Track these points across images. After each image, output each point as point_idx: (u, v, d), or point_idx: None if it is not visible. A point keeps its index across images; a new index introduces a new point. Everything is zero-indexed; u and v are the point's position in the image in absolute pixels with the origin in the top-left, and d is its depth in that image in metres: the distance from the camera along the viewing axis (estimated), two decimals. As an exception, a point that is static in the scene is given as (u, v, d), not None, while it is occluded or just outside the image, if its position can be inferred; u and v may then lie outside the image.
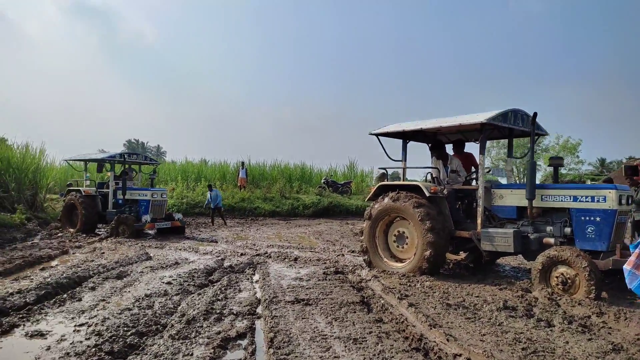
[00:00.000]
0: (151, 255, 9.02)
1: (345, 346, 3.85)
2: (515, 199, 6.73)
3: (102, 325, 4.40)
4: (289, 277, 6.84)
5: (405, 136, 8.11)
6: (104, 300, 5.45)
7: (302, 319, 4.62)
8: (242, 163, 24.33)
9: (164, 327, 4.43)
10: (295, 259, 8.53)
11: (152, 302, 5.28)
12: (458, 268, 7.80)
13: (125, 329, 4.27)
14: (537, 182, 6.91)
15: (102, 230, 13.55)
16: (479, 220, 6.74)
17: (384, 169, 8.32)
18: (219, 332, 4.23)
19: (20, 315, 4.71)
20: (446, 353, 3.67)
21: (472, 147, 8.44)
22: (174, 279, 6.53)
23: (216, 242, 11.59)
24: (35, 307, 5.01)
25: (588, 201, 6.03)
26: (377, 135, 8.04)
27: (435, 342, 3.92)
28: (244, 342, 4.06)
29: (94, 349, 3.74)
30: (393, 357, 3.62)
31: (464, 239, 7.02)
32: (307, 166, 28.38)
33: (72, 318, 4.72)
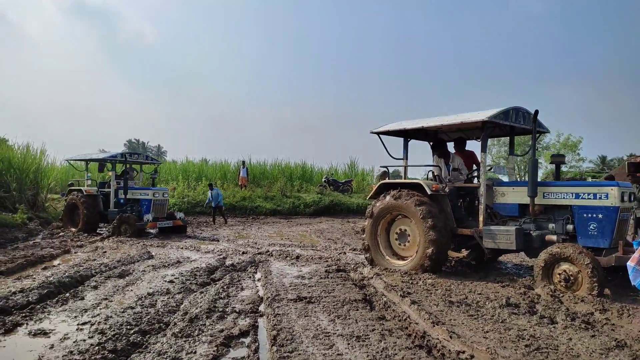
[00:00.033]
0: (153, 254, 9.02)
1: (349, 343, 3.85)
2: (517, 196, 6.73)
3: (105, 323, 4.40)
4: (291, 275, 6.84)
5: (407, 134, 8.10)
6: (106, 299, 5.45)
7: (305, 316, 4.62)
8: (243, 162, 24.33)
9: (167, 326, 4.44)
10: (297, 257, 8.53)
11: (155, 301, 5.28)
12: (460, 266, 7.79)
13: (128, 327, 4.27)
14: (539, 179, 6.90)
15: (104, 229, 13.56)
16: (481, 218, 6.73)
17: (386, 167, 8.32)
18: (222, 330, 4.24)
19: (23, 314, 4.72)
20: (449, 350, 3.67)
21: (472, 145, 8.46)
22: (176, 278, 6.54)
23: (218, 240, 11.60)
24: (38, 306, 5.02)
25: (590, 198, 6.02)
26: (378, 133, 8.03)
27: (438, 339, 3.92)
28: (247, 340, 4.06)
29: (97, 348, 3.75)
30: (396, 354, 3.61)
31: (465, 236, 7.02)
32: (308, 165, 28.40)
33: (75, 317, 4.72)
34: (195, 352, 3.71)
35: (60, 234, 12.63)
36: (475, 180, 7.65)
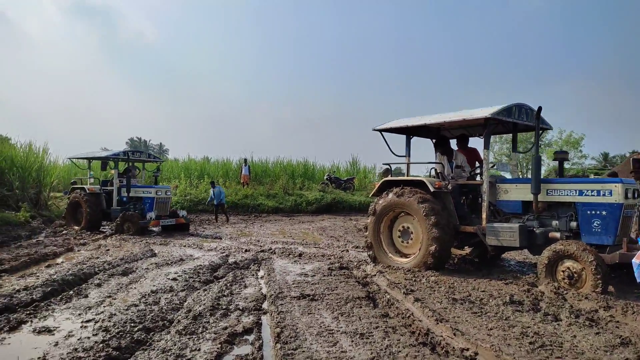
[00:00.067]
0: (156, 252, 9.04)
1: (352, 341, 3.85)
2: (520, 193, 6.71)
3: (109, 321, 4.41)
4: (294, 273, 6.84)
5: (409, 132, 8.09)
6: (110, 296, 5.47)
7: (309, 314, 4.62)
8: (245, 160, 24.32)
9: (171, 323, 4.44)
10: (300, 255, 8.53)
11: (158, 298, 5.29)
12: (463, 263, 7.79)
13: (132, 324, 4.28)
14: (542, 176, 6.88)
15: (107, 227, 13.59)
16: (484, 215, 6.72)
17: (388, 164, 8.31)
18: (226, 328, 4.24)
19: (28, 312, 4.73)
20: (453, 347, 3.66)
21: (474, 142, 8.43)
22: (179, 275, 6.55)
23: (220, 238, 11.61)
24: (42, 304, 5.03)
25: (594, 195, 6.00)
26: (380, 131, 8.01)
27: (442, 336, 3.92)
28: (251, 337, 4.07)
29: (101, 345, 3.76)
30: (400, 351, 3.61)
31: (468, 234, 7.00)
32: (310, 163, 28.37)
33: (79, 314, 4.74)
34: (199, 350, 3.71)
35: (63, 232, 12.66)
36: (478, 178, 7.64)
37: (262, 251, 9.12)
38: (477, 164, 7.95)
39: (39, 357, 3.60)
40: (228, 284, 6.03)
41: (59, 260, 8.32)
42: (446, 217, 6.83)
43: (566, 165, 33.89)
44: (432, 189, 6.94)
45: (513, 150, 8.36)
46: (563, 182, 6.41)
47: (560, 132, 36.96)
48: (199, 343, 3.86)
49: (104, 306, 5.03)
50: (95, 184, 14.02)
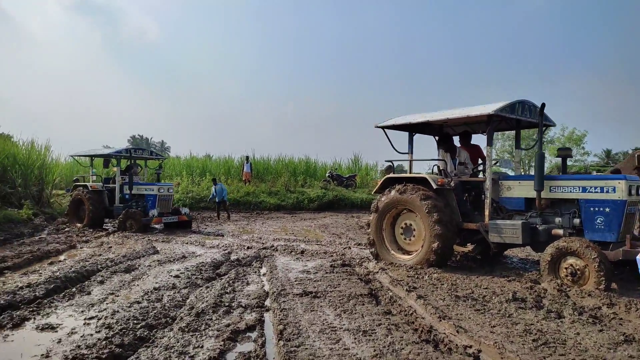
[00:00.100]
0: (158, 249, 9.05)
1: (355, 338, 3.84)
2: (523, 190, 6.69)
3: (112, 318, 4.42)
4: (296, 270, 6.84)
5: (412, 128, 8.07)
6: (113, 293, 5.47)
7: (311, 311, 4.62)
8: (247, 157, 24.32)
9: (174, 320, 4.44)
10: (302, 252, 8.53)
11: (161, 296, 5.30)
12: (466, 260, 7.78)
13: (135, 321, 4.29)
14: (544, 173, 6.85)
15: (109, 225, 13.62)
16: (486, 212, 6.70)
17: (391, 161, 8.29)
18: (229, 325, 4.24)
19: (31, 309, 4.74)
20: (456, 345, 3.66)
21: (477, 139, 8.39)
22: (181, 273, 6.55)
23: (222, 235, 11.62)
24: (45, 301, 5.04)
25: (597, 192, 5.98)
26: (383, 128, 8.00)
27: (445, 333, 3.92)
28: (254, 335, 4.07)
29: (104, 342, 3.76)
30: (403, 348, 3.61)
31: (471, 231, 6.99)
32: (312, 160, 28.37)
33: (82, 311, 4.74)
34: (202, 347, 3.71)
35: (66, 229, 12.67)
36: (481, 175, 7.62)
37: (264, 248, 9.12)
38: (480, 161, 7.93)
39: (42, 354, 3.60)
40: (230, 281, 6.03)
41: (62, 257, 8.34)
42: (449, 214, 6.81)
43: (568, 162, 33.83)
44: (434, 186, 6.93)
45: (516, 147, 8.33)
46: (566, 178, 6.38)
47: (562, 129, 36.89)
48: (202, 340, 3.86)
49: (107, 303, 5.04)
50: (98, 182, 14.03)
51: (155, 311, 4.64)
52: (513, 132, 8.16)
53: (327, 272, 6.58)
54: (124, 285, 5.89)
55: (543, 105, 6.46)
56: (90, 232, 11.85)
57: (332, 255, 8.21)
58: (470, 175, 7.64)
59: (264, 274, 6.73)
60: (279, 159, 27.46)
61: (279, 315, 4.44)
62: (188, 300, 5.16)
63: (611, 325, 4.25)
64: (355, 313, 4.54)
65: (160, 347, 3.69)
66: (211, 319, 4.43)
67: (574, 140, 36.40)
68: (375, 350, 3.56)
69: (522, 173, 10.26)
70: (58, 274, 6.30)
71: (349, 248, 9.39)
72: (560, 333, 3.99)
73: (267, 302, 5.12)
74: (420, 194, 6.91)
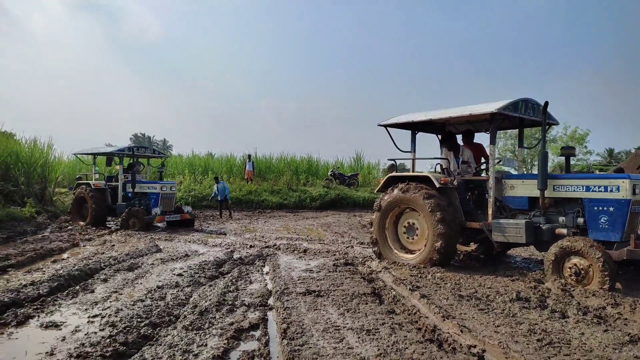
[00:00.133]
0: (161, 247, 9.06)
1: (359, 337, 3.84)
2: (526, 189, 6.66)
3: (116, 316, 4.43)
4: (299, 269, 6.84)
5: (414, 127, 8.05)
6: (116, 291, 5.48)
7: (314, 310, 4.62)
8: (249, 156, 24.31)
9: (177, 319, 4.45)
10: (305, 251, 8.52)
11: (164, 294, 5.30)
12: (469, 259, 7.76)
13: (138, 320, 4.29)
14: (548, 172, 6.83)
15: (112, 223, 13.63)
16: (490, 211, 6.68)
17: (393, 160, 8.28)
18: (232, 323, 4.24)
19: (35, 307, 4.75)
20: (460, 344, 3.65)
21: (479, 138, 8.38)
22: (184, 271, 6.56)
23: (225, 234, 11.62)
24: (49, 299, 5.05)
25: (601, 191, 5.95)
26: (385, 126, 7.98)
27: (449, 333, 3.91)
28: (257, 333, 4.07)
29: (108, 340, 3.76)
30: (407, 348, 3.60)
31: (474, 230, 6.97)
32: (314, 158, 28.34)
33: (86, 309, 4.75)
34: (206, 345, 3.71)
35: (69, 227, 12.71)
36: (484, 173, 7.60)
37: (267, 247, 9.12)
38: (483, 160, 7.90)
39: (46, 352, 3.61)
40: (233, 280, 6.04)
41: (65, 255, 8.36)
42: (452, 213, 6.80)
43: (571, 161, 33.76)
44: (437, 185, 6.91)
45: (519, 145, 8.30)
46: (570, 177, 6.36)
47: (565, 128, 36.78)
48: (206, 339, 3.86)
49: (111, 301, 5.05)
50: (101, 180, 14.05)
51: (158, 309, 4.64)
52: (514, 131, 8.16)
53: (330, 271, 6.58)
54: (127, 283, 5.90)
55: (546, 103, 6.43)
56: (93, 231, 11.87)
57: (334, 254, 8.21)
58: (473, 174, 7.62)
59: (266, 273, 6.73)
60: (281, 158, 27.45)
61: (283, 314, 4.43)
62: (191, 299, 5.16)
63: (616, 325, 4.23)
64: (359, 312, 4.54)
65: (164, 345, 3.69)
66: (215, 317, 4.43)
67: (577, 139, 36.28)
68: (379, 350, 3.55)
69: (524, 172, 10.23)
70: (61, 272, 6.31)
71: (352, 247, 9.39)
72: (564, 333, 3.98)
73: (271, 301, 5.12)
74: (423, 193, 6.89)
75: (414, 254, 7.19)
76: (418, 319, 4.32)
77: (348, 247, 9.39)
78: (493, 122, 6.78)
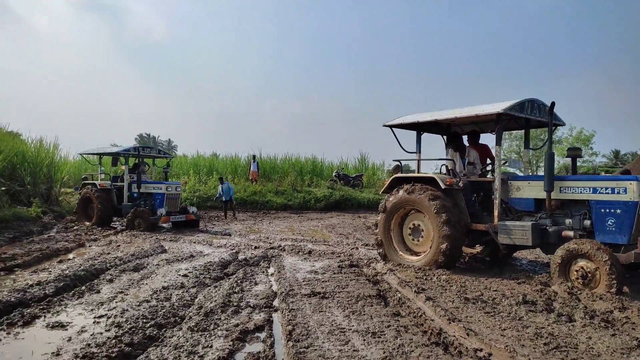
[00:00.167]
0: (166, 248, 9.08)
1: (364, 340, 3.83)
2: (532, 191, 6.62)
3: (121, 317, 4.44)
4: (304, 270, 6.83)
5: (420, 128, 8.02)
6: (122, 292, 5.50)
7: (320, 312, 4.61)
8: (254, 156, 24.33)
9: (182, 319, 4.45)
10: (310, 252, 8.52)
11: (170, 295, 5.31)
12: (474, 262, 7.73)
13: (144, 320, 4.30)
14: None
15: (117, 223, 13.69)
16: (495, 213, 6.64)
17: (399, 161, 8.25)
18: (237, 325, 4.24)
19: (41, 307, 4.77)
20: (467, 348, 3.63)
21: (484, 138, 8.32)
22: (190, 272, 6.57)
23: (230, 235, 11.64)
24: (55, 299, 5.07)
25: (608, 193, 5.90)
26: (390, 127, 7.96)
27: (455, 336, 3.89)
28: (262, 335, 4.06)
29: (114, 341, 3.77)
30: (413, 351, 3.58)
31: (480, 232, 6.93)
32: (318, 159, 28.33)
33: (92, 310, 4.77)
34: (211, 346, 3.71)
35: (75, 227, 12.77)
36: (490, 175, 7.56)
37: (272, 248, 9.12)
38: (488, 161, 7.86)
39: (52, 352, 3.62)
40: (238, 281, 6.04)
41: (71, 255, 8.40)
42: (457, 215, 6.77)
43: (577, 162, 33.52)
44: (443, 186, 6.88)
45: (525, 146, 8.25)
46: (577, 179, 6.31)
47: (570, 129, 36.56)
48: (211, 340, 3.86)
49: (116, 302, 5.06)
50: (106, 180, 14.11)
51: (164, 310, 4.65)
52: (520, 132, 8.12)
53: (335, 273, 6.57)
54: (132, 284, 5.92)
55: (553, 104, 6.39)
56: (99, 231, 11.92)
57: (339, 256, 8.19)
58: (479, 175, 7.58)
59: (271, 274, 6.73)
60: (285, 158, 27.47)
61: (288, 315, 4.43)
62: (197, 300, 5.17)
63: (624, 329, 4.19)
64: (364, 314, 4.53)
65: (170, 346, 3.70)
66: (220, 318, 4.43)
67: (582, 140, 36.05)
68: (384, 352, 3.54)
69: (530, 173, 10.16)
70: (67, 272, 6.34)
71: (357, 248, 9.37)
72: (572, 337, 3.94)
73: (276, 303, 5.12)
74: (428, 194, 6.87)
75: (419, 255, 7.16)
76: (424, 321, 4.31)
77: (353, 248, 9.37)
78: (499, 122, 6.74)
